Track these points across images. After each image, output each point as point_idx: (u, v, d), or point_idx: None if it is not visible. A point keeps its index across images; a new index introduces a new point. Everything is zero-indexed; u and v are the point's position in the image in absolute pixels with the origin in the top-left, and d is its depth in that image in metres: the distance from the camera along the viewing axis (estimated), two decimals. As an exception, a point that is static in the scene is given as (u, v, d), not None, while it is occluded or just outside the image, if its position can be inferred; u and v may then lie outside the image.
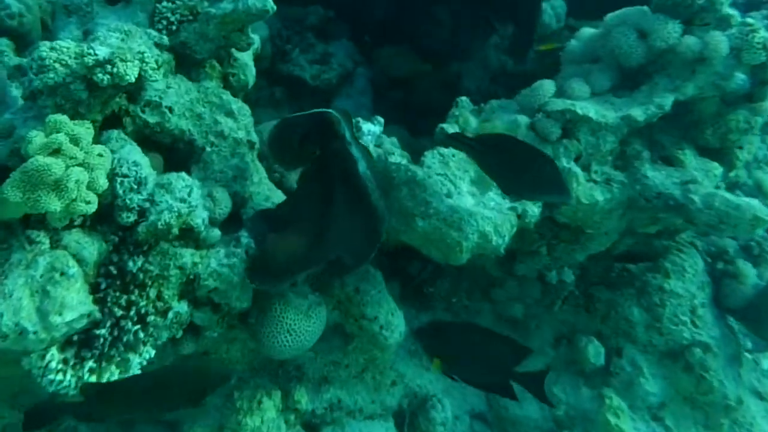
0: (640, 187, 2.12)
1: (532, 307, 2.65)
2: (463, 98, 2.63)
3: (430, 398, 2.32)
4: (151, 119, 1.95)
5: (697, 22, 2.20)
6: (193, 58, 2.17)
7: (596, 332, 2.54)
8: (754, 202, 1.99)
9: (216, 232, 1.81)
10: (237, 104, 2.21)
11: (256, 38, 2.32)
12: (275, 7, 2.05)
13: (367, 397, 2.21)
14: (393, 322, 2.07)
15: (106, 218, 1.62)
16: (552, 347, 2.59)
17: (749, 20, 2.12)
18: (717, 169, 2.22)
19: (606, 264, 2.57)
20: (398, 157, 2.06)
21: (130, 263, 1.58)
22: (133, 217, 1.62)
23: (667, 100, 2.16)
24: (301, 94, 3.81)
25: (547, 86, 2.32)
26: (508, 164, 1.66)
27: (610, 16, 2.42)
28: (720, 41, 2.09)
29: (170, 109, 2.00)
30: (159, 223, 1.61)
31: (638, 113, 2.15)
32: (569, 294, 2.60)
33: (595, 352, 2.50)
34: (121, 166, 1.65)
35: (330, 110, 1.70)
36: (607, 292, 2.56)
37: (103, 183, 1.53)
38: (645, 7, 2.35)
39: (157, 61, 1.76)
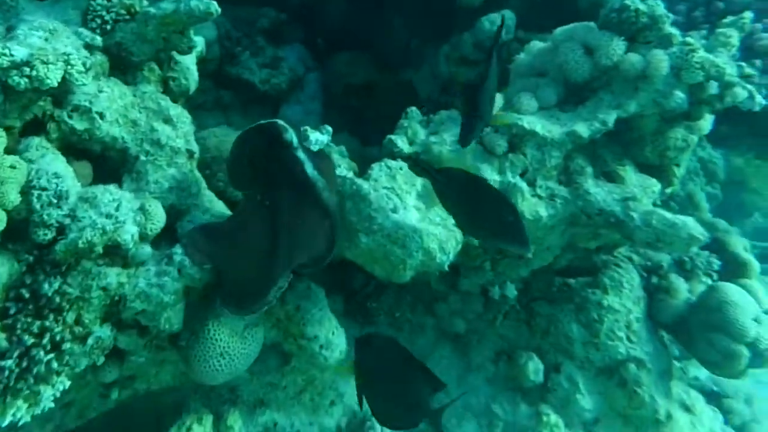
0: (582, 203, 2.11)
1: (474, 322, 2.61)
2: (413, 109, 2.57)
3: (369, 418, 2.24)
4: (79, 125, 1.79)
5: (640, 39, 2.21)
6: (130, 60, 2.03)
7: (536, 348, 2.53)
8: (690, 221, 2.01)
9: (146, 249, 1.67)
10: (176, 110, 2.07)
11: (199, 41, 2.19)
12: (219, 10, 1.94)
13: (305, 419, 2.11)
14: (334, 342, 1.98)
15: (19, 236, 1.46)
16: (492, 362, 2.56)
17: (689, 40, 2.15)
18: (655, 185, 2.24)
19: (547, 278, 2.55)
20: (344, 170, 1.97)
21: (46, 285, 1.43)
22: (50, 235, 1.47)
23: (610, 117, 2.15)
24: (249, 98, 3.67)
25: (496, 101, 2.28)
26: (471, 205, 1.58)
27: (558, 31, 2.40)
28: (661, 59, 2.10)
29: (101, 115, 1.85)
30: (80, 242, 1.47)
31: (583, 129, 2.14)
32: (511, 308, 2.58)
33: (534, 369, 2.48)
34: (39, 178, 1.49)
35: (275, 120, 1.68)
36: (548, 307, 2.54)
37: (13, 198, 1.38)
38: (592, 24, 2.35)
39: (85, 64, 1.62)
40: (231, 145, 2.15)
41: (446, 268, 1.88)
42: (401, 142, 2.29)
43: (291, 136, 1.64)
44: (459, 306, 2.58)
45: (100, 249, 1.53)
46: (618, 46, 2.19)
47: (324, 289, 2.13)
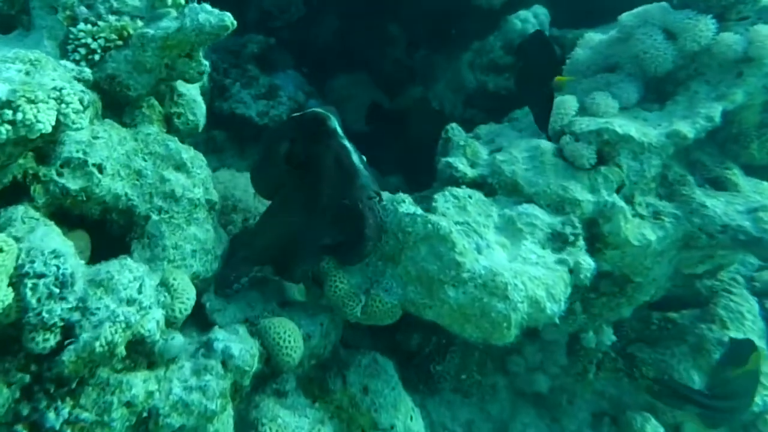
0: (699, 219, 1.80)
1: (560, 377, 2.23)
2: (454, 125, 2.27)
3: None
4: (73, 184, 1.44)
5: (732, 16, 1.94)
6: (126, 95, 1.70)
7: (648, 405, 2.15)
8: None
9: (177, 340, 1.31)
10: (188, 153, 1.75)
11: (207, 63, 1.86)
12: (235, 23, 1.62)
13: None
14: (413, 429, 1.63)
15: (7, 347, 1.09)
16: (591, 427, 2.17)
17: (797, 9, 1.89)
18: None
19: (641, 314, 2.19)
20: (410, 206, 1.64)
21: (51, 415, 1.05)
22: (53, 340, 1.10)
23: (715, 111, 1.87)
24: (246, 135, 3.31)
25: (569, 103, 1.99)
26: None
27: (626, 16, 2.14)
28: None
29: (100, 168, 1.50)
30: (97, 344, 1.10)
31: (686, 129, 1.84)
32: (604, 356, 2.20)
33: (653, 433, 2.08)
34: (32, 262, 1.13)
35: (316, 108, 1.65)
36: (651, 351, 2.17)
37: (3, 295, 1.01)
38: (665, 3, 2.09)
39: (81, 100, 1.28)
40: (239, 191, 2.07)
41: (557, 320, 1.55)
42: (462, 165, 1.98)
43: (335, 123, 1.63)
44: (538, 358, 2.22)
45: (122, 350, 1.16)
46: (707, 26, 1.92)
47: (392, 361, 1.79)
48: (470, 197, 1.81)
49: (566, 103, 1.99)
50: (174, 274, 1.40)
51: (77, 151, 1.46)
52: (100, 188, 1.49)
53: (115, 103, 1.72)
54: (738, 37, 1.89)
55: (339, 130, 1.65)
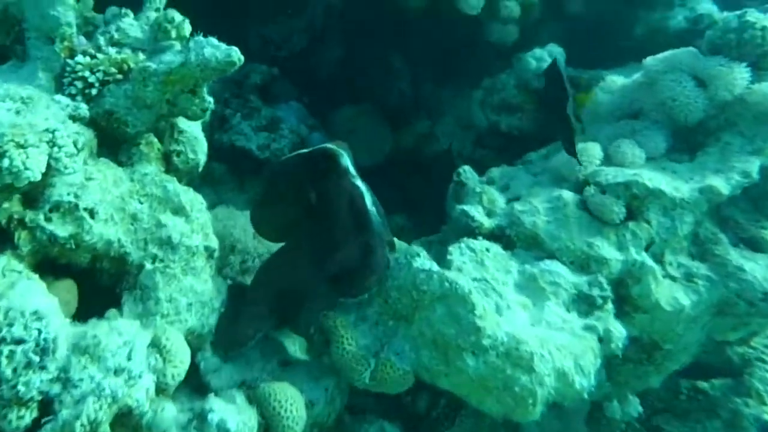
0: (735, 284, 1.70)
1: None
2: (466, 168, 2.19)
3: None
4: (62, 231, 1.33)
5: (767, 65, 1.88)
6: (124, 132, 1.62)
7: None
8: None
9: (168, 412, 1.19)
10: (188, 195, 1.65)
11: (211, 100, 1.78)
12: (242, 58, 1.54)
13: None
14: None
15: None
16: None
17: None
18: None
19: (667, 382, 2.04)
20: (426, 261, 1.54)
21: None
22: (29, 417, 0.98)
23: (753, 166, 1.79)
24: (246, 168, 3.22)
25: (593, 151, 1.91)
26: None
27: (652, 60, 2.07)
28: (807, 88, 1.77)
29: (91, 213, 1.40)
30: (78, 424, 0.98)
31: (721, 184, 1.76)
32: (627, 427, 2.05)
33: None
34: (10, 325, 1.02)
35: (327, 145, 1.60)
36: (680, 424, 2.02)
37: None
38: (694, 49, 2.03)
39: (76, 143, 1.19)
40: (238, 230, 1.97)
41: (586, 396, 1.43)
42: (478, 214, 1.89)
43: (347, 161, 1.58)
44: (555, 427, 2.08)
45: (107, 428, 1.04)
46: (741, 74, 1.86)
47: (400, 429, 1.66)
48: (488, 250, 1.72)
49: (590, 151, 1.91)
50: (167, 333, 1.28)
51: (68, 195, 1.36)
52: (91, 235, 1.38)
53: (112, 140, 1.63)
54: (775, 88, 1.82)
55: (351, 168, 1.60)
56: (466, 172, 2.18)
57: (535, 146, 2.40)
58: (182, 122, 1.81)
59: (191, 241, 1.55)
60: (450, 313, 1.46)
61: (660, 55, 2.07)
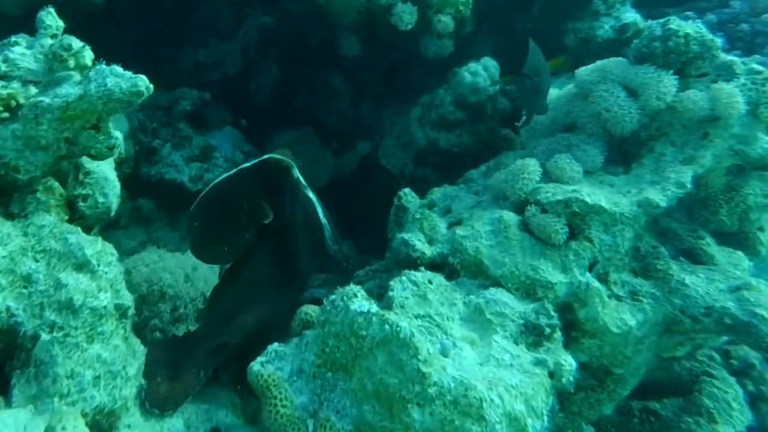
0: (680, 300, 1.65)
1: None
2: (407, 191, 2.12)
3: None
4: (-69, 307, 1.15)
5: (692, 72, 1.86)
6: (14, 179, 1.46)
7: None
8: None
9: None
10: (94, 247, 1.49)
11: (118, 136, 1.63)
12: (151, 87, 1.40)
13: None
14: None
15: None
16: None
17: (756, 66, 1.82)
18: (743, 260, 1.82)
19: (619, 404, 1.97)
20: (364, 302, 1.42)
21: None
22: None
23: (685, 176, 1.76)
24: (177, 204, 3.02)
25: (532, 167, 1.84)
26: None
27: (583, 71, 2.04)
28: (732, 94, 1.75)
29: (-29, 280, 1.21)
30: None
31: (657, 196, 1.72)
32: None
33: None
34: None
35: (274, 155, 1.55)
36: None
37: None
38: (622, 59, 2.01)
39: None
40: (167, 274, 1.91)
41: (539, 439, 1.33)
42: (419, 243, 1.79)
43: (297, 171, 1.55)
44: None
45: None
46: (671, 81, 1.83)
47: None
48: (431, 282, 1.61)
49: (528, 168, 1.84)
50: (65, 420, 1.11)
51: (-61, 262, 1.18)
52: (-30, 307, 1.20)
53: (0, 190, 1.45)
54: (702, 94, 1.81)
55: (302, 178, 1.57)
56: (407, 195, 2.11)
57: (476, 163, 2.35)
58: (89, 162, 1.65)
59: (97, 302, 1.39)
60: (392, 360, 1.34)
61: (591, 66, 2.05)
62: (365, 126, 3.72)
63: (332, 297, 1.49)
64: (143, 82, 1.41)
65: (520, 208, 1.81)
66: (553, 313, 1.50)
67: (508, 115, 2.81)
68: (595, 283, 1.62)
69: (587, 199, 1.68)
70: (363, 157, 3.67)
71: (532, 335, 1.47)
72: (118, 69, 1.42)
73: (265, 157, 1.54)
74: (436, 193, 2.16)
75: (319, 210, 1.56)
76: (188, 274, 2.03)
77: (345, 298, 1.45)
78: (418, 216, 1.89)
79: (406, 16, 2.85)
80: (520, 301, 1.58)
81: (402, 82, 3.51)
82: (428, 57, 3.11)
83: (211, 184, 1.58)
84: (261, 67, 3.83)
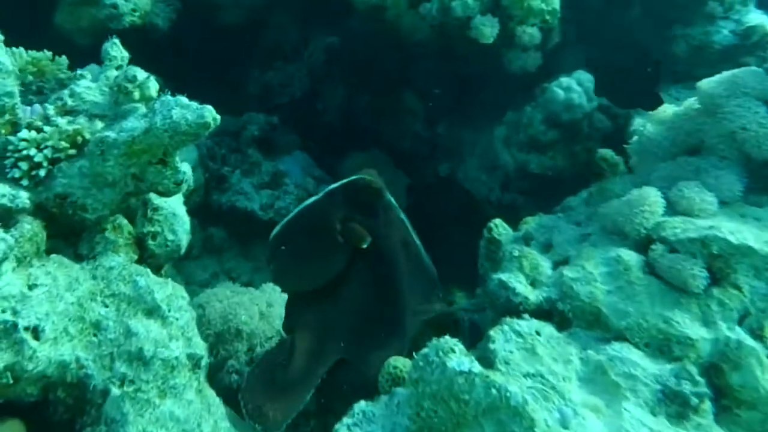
0: None
1: None
2: (498, 222, 1.93)
3: None
4: (-7, 363, 1.07)
5: None
6: (82, 219, 1.38)
7: None
8: None
9: None
10: (164, 291, 1.39)
11: (186, 170, 1.56)
12: (218, 119, 1.32)
13: None
14: None
15: None
16: None
17: None
18: None
19: None
20: (463, 359, 1.24)
21: None
22: None
23: None
24: (249, 232, 3.03)
25: (653, 198, 1.61)
26: None
27: (706, 84, 1.80)
28: None
29: (36, 332, 1.13)
30: None
31: (821, 233, 1.45)
32: None
33: None
34: None
35: (362, 175, 1.51)
36: None
37: None
38: (756, 68, 1.76)
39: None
40: (243, 310, 1.88)
41: None
42: (521, 286, 1.60)
43: (388, 194, 1.52)
44: None
45: None
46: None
47: None
48: (539, 334, 1.42)
49: (650, 199, 1.61)
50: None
51: (2, 312, 1.10)
52: (36, 362, 1.12)
53: (68, 230, 1.39)
54: None
55: (393, 200, 1.53)
56: (498, 227, 1.92)
57: (572, 188, 2.15)
58: (157, 197, 1.57)
59: (169, 352, 1.28)
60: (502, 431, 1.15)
61: (716, 78, 1.80)
62: (441, 147, 3.60)
63: (425, 351, 1.32)
64: (209, 113, 1.33)
65: (641, 246, 1.58)
66: (698, 377, 1.27)
67: (607, 133, 2.60)
68: (749, 341, 1.37)
69: (730, 238, 1.44)
70: (440, 181, 3.53)
71: (674, 405, 1.24)
72: (184, 100, 1.35)
73: (354, 178, 1.50)
74: (531, 223, 1.98)
75: (414, 234, 1.52)
76: (263, 311, 1.96)
77: (441, 354, 1.28)
78: (516, 253, 1.69)
79: (487, 30, 2.70)
80: (652, 360, 1.35)
81: (481, 100, 3.37)
82: (513, 72, 2.95)
83: (299, 207, 1.56)
84: (328, 87, 3.81)
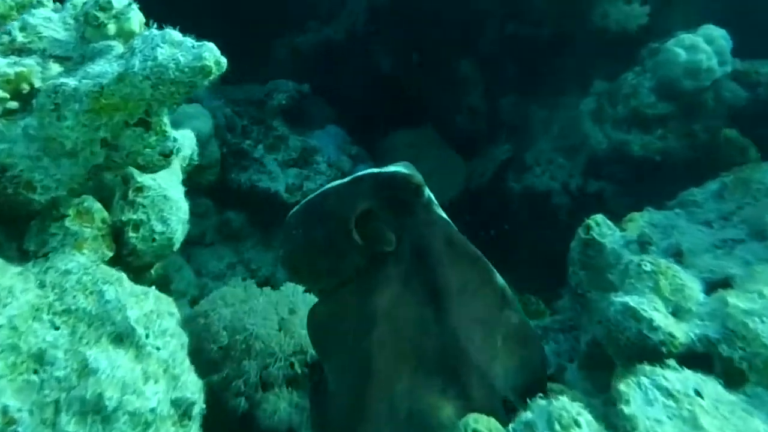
0: None
1: None
2: (599, 219, 1.73)
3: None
4: None
5: None
6: (28, 201, 1.10)
7: None
8: None
9: None
10: (141, 306, 1.09)
11: (186, 137, 1.23)
12: (224, 63, 0.98)
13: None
14: None
15: None
16: None
17: None
18: None
19: None
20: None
21: None
22: None
23: None
24: (273, 217, 2.86)
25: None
26: None
27: None
28: None
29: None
30: None
31: None
32: None
33: None
34: None
35: (399, 168, 1.44)
36: None
37: None
38: None
39: None
40: (256, 319, 1.80)
41: None
42: (659, 317, 1.21)
43: (428, 190, 1.46)
44: None
45: None
46: None
47: None
48: (698, 395, 1.04)
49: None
50: None
51: None
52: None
53: (10, 216, 1.08)
54: None
55: (433, 196, 1.47)
56: (601, 225, 1.74)
57: (686, 177, 1.97)
58: (141, 174, 1.25)
59: (141, 401, 0.94)
60: None
61: None
62: (504, 124, 3.44)
63: (529, 417, 0.98)
64: (210, 52, 1.03)
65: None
66: None
67: (739, 108, 2.21)
68: None
69: None
70: (501, 164, 3.39)
71: None
72: (174, 34, 1.06)
73: (390, 170, 1.43)
74: (638, 220, 1.78)
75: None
76: (283, 319, 1.81)
77: (559, 427, 0.92)
78: (648, 267, 1.30)
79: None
80: None
81: (556, 68, 3.12)
82: (608, 28, 2.63)
83: (322, 189, 1.48)
84: (370, 53, 3.72)
